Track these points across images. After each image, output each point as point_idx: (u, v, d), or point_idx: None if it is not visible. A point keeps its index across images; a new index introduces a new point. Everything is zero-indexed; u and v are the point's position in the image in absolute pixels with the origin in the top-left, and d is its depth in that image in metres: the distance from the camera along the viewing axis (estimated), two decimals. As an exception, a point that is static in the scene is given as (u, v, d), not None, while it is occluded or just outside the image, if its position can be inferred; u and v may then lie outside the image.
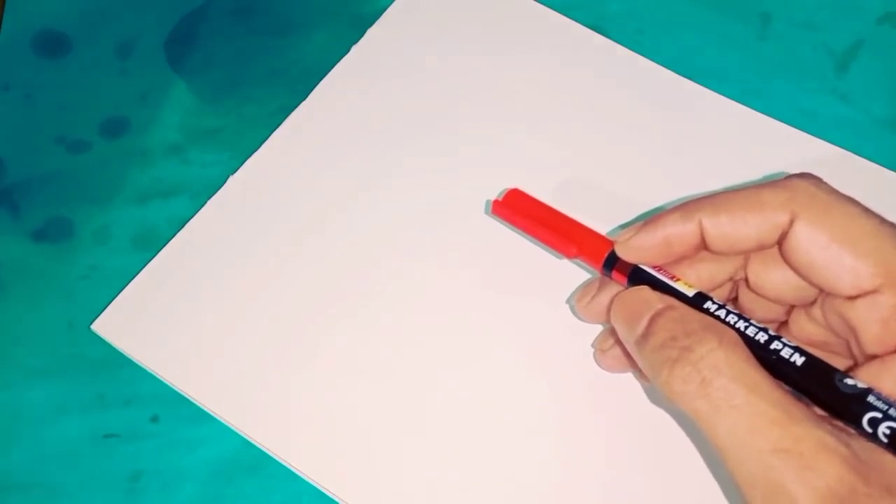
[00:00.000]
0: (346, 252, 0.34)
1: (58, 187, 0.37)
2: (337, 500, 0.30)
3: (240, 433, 0.31)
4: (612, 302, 0.28)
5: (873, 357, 0.24)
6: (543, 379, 0.31)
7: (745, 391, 0.23)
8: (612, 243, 0.29)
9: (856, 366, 0.25)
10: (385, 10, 0.39)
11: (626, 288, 0.28)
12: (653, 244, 0.27)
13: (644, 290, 0.27)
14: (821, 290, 0.26)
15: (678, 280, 0.27)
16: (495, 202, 0.31)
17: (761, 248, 0.26)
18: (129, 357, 0.32)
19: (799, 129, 0.36)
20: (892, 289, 0.23)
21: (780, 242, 0.25)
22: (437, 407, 0.31)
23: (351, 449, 0.30)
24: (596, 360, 0.31)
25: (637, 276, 0.28)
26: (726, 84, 0.37)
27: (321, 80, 0.38)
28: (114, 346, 0.33)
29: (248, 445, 0.31)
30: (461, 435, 0.30)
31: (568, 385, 0.31)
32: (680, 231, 0.26)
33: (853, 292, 0.24)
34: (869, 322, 0.24)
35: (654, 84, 0.37)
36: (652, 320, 0.26)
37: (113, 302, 0.33)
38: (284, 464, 0.30)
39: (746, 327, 0.25)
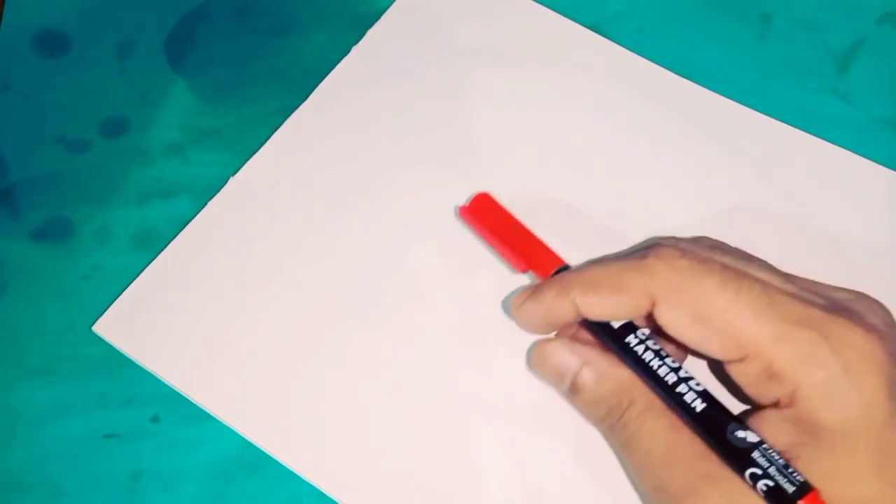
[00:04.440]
0: (346, 252, 0.34)
1: (58, 187, 0.37)
2: (337, 501, 0.30)
3: (240, 433, 0.31)
4: (539, 311, 0.29)
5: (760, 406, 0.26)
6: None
7: (664, 434, 0.26)
8: (561, 261, 0.30)
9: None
10: (385, 10, 0.39)
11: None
12: (538, 315, 0.29)
13: (558, 349, 0.28)
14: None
15: None
16: (462, 207, 0.32)
17: (636, 318, 0.28)
18: (130, 358, 0.32)
19: (799, 128, 0.36)
20: (755, 358, 0.25)
21: (649, 318, 0.27)
22: (437, 407, 0.31)
23: (350, 450, 0.30)
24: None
25: None
26: (726, 84, 0.37)
27: (321, 80, 0.38)
28: (115, 347, 0.33)
29: (248, 445, 0.31)
30: (461, 436, 0.30)
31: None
32: (557, 306, 0.28)
33: (724, 360, 0.26)
34: (742, 383, 0.26)
35: (653, 84, 0.37)
36: (573, 382, 0.28)
37: (114, 304, 0.33)
38: (284, 464, 0.30)
39: (660, 366, 0.26)
